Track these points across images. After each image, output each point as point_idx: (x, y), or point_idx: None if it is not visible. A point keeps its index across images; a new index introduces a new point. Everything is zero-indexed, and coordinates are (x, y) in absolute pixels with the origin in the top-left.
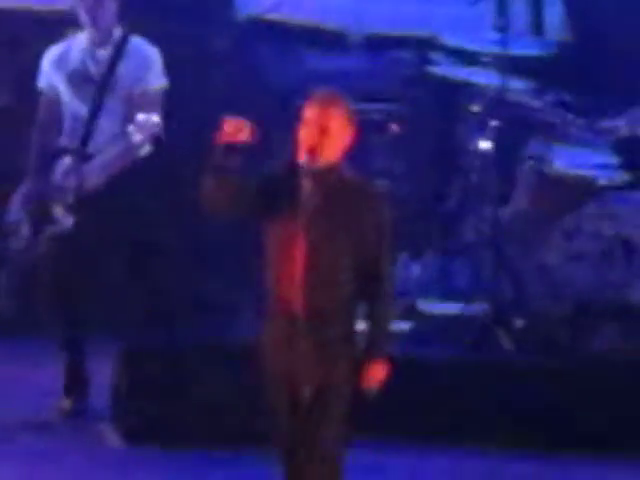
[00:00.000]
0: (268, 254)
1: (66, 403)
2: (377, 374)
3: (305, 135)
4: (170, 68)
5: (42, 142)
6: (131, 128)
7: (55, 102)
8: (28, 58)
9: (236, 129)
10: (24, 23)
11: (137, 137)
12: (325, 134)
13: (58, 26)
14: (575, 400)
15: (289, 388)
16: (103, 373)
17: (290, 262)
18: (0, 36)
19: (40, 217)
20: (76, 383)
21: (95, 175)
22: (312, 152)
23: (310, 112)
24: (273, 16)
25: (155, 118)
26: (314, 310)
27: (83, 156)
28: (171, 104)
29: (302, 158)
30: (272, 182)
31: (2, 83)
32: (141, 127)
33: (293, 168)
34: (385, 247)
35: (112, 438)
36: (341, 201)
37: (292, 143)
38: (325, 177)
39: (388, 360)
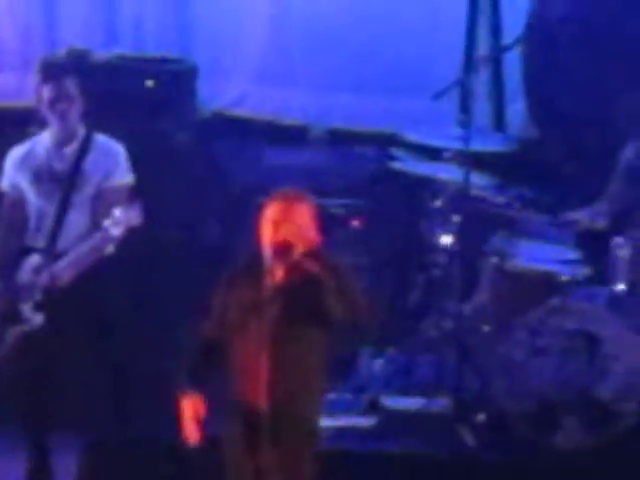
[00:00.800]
0: (234, 353)
1: None
2: None
3: (275, 234)
4: (132, 163)
5: (6, 242)
6: (108, 222)
7: (19, 202)
8: None
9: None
10: None
11: (115, 231)
12: (295, 230)
13: (21, 123)
14: None
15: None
16: (67, 469)
17: (255, 360)
18: None
19: (6, 316)
20: (40, 478)
21: (67, 271)
22: (283, 249)
23: (278, 210)
24: (235, 111)
25: (134, 211)
26: (279, 407)
27: (52, 254)
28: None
29: (269, 254)
30: (231, 288)
31: None
32: (119, 221)
33: (255, 266)
34: (349, 289)
35: None
36: (304, 291)
37: (252, 241)
38: (289, 273)
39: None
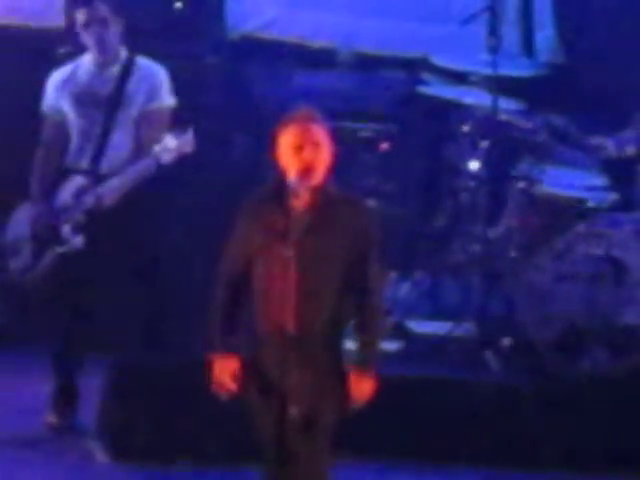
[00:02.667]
0: (258, 277)
1: (54, 418)
2: (365, 390)
3: (299, 157)
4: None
5: (48, 163)
6: (158, 148)
7: (61, 124)
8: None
9: (225, 383)
10: (17, 40)
11: (166, 157)
12: (317, 151)
13: (50, 44)
14: (562, 421)
15: (278, 407)
16: (92, 390)
17: (282, 282)
18: None
19: (46, 236)
20: (65, 399)
21: (113, 194)
22: (308, 171)
23: (297, 133)
24: (264, 34)
25: (186, 137)
26: (307, 329)
27: (96, 176)
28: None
29: (293, 178)
30: (256, 215)
31: None
32: (170, 147)
33: (278, 191)
34: (373, 261)
35: (99, 454)
36: (330, 218)
37: (274, 166)
38: (313, 195)
39: (376, 376)
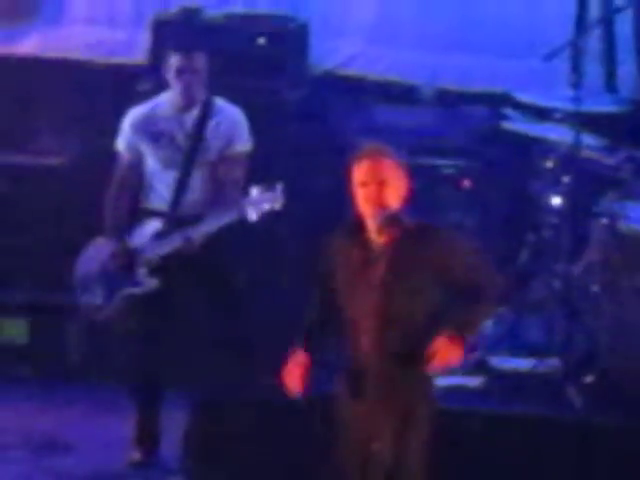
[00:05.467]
0: (344, 309)
1: (136, 454)
2: (449, 356)
3: (364, 192)
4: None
5: (120, 201)
6: (245, 202)
7: (136, 164)
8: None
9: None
10: (98, 75)
11: (252, 213)
12: (383, 186)
13: (131, 79)
14: None
15: (361, 445)
16: (175, 426)
17: (366, 315)
18: (72, 87)
19: (120, 276)
20: (148, 435)
21: (200, 238)
22: (374, 204)
23: (363, 170)
24: (347, 71)
25: (274, 194)
26: (391, 361)
27: (176, 220)
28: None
29: (366, 214)
30: (337, 250)
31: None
32: (256, 202)
33: (357, 225)
34: (473, 265)
35: None
36: (409, 249)
37: (352, 205)
38: (390, 229)
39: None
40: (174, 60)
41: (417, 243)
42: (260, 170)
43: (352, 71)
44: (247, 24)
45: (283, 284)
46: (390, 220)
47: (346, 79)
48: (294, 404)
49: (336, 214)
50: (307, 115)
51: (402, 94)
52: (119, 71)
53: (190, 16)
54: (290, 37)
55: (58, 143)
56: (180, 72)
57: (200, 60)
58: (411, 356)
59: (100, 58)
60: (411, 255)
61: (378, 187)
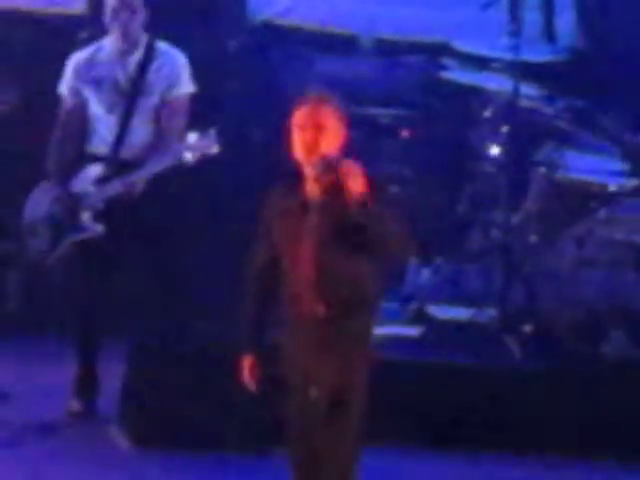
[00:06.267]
0: (283, 264)
1: (75, 404)
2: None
3: (301, 137)
4: None
5: (65, 145)
6: (182, 147)
7: (78, 108)
8: (39, 61)
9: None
10: (37, 26)
11: (189, 157)
12: (320, 132)
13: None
14: (583, 405)
15: (302, 390)
16: (112, 375)
17: (302, 264)
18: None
19: (65, 222)
20: (86, 384)
21: (141, 183)
22: (310, 149)
23: (302, 114)
24: (285, 20)
25: (209, 139)
26: (328, 309)
27: (117, 163)
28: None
29: (302, 160)
30: (275, 207)
31: (12, 85)
32: (193, 147)
33: (294, 178)
34: (388, 229)
35: (120, 440)
36: (343, 197)
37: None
38: (326, 176)
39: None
40: (109, 1)
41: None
42: (199, 117)
43: (290, 21)
44: None
45: (220, 233)
46: (326, 168)
47: (284, 29)
48: (231, 353)
49: (274, 164)
50: (247, 64)
51: (340, 44)
52: (59, 20)
53: None
54: None
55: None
56: (117, 12)
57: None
58: (348, 305)
59: (39, 8)
60: (342, 204)
61: (315, 132)
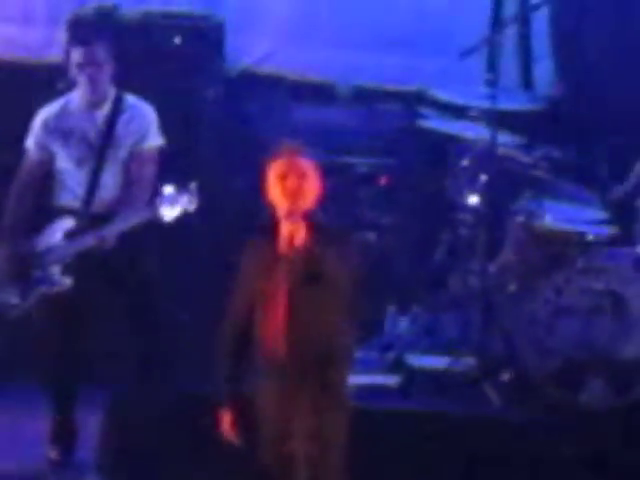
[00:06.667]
0: (258, 313)
1: (53, 453)
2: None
3: (283, 186)
4: (162, 120)
5: (25, 200)
6: (159, 202)
7: (46, 162)
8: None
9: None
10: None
11: (167, 213)
12: (304, 179)
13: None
14: (563, 453)
15: (282, 443)
16: (91, 424)
17: (274, 316)
18: None
19: (32, 275)
20: (64, 433)
21: (114, 236)
22: (294, 197)
23: (282, 164)
24: (263, 69)
25: (188, 194)
26: (301, 361)
27: (89, 217)
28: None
29: (282, 211)
30: (253, 257)
31: None
32: (170, 203)
33: (270, 230)
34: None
35: None
36: (319, 253)
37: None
38: (302, 230)
39: None
40: (75, 54)
41: (327, 249)
42: (177, 169)
43: (268, 69)
44: (164, 22)
45: (199, 285)
46: (303, 222)
47: (262, 77)
48: (210, 403)
49: (252, 213)
50: (224, 114)
51: (318, 92)
52: (35, 71)
53: (105, 14)
54: (206, 36)
55: None
56: (82, 66)
57: (101, 53)
58: (322, 357)
59: (18, 57)
60: (320, 262)
61: (298, 180)
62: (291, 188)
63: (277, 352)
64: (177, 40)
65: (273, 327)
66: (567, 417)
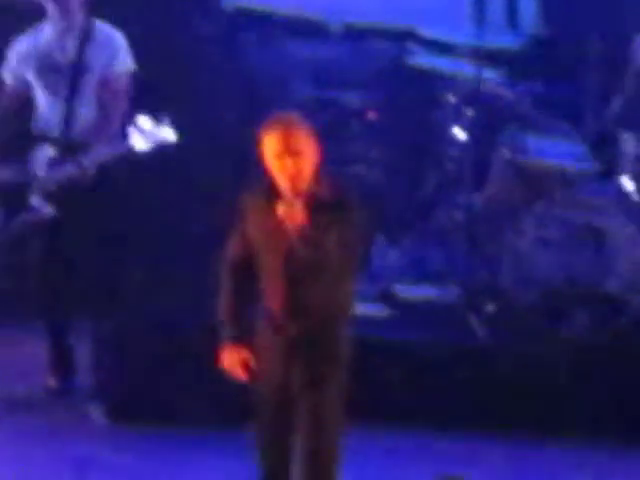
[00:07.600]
0: (261, 266)
1: (52, 381)
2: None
3: (281, 165)
4: (155, 54)
5: (10, 130)
6: (132, 131)
7: (23, 92)
8: None
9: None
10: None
11: (140, 144)
12: (299, 157)
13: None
14: (545, 384)
15: (278, 388)
16: (85, 354)
17: (277, 276)
18: None
19: (15, 204)
20: (61, 361)
21: (94, 166)
22: (294, 178)
23: (276, 142)
24: (257, 5)
25: (165, 131)
26: (302, 325)
27: (66, 145)
28: (157, 90)
29: (281, 183)
30: (251, 211)
31: None
32: (144, 134)
33: (270, 192)
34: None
35: (98, 415)
36: (320, 215)
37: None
38: (305, 198)
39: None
40: None
41: (328, 214)
42: (171, 103)
43: (263, 7)
44: None
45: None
46: (303, 190)
47: (256, 14)
48: (202, 334)
49: (243, 148)
50: (219, 49)
51: (311, 29)
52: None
53: None
54: None
55: None
56: None
57: None
58: (323, 321)
59: None
60: (321, 225)
61: (294, 159)
62: (288, 167)
63: (278, 317)
64: None
65: (274, 296)
66: (551, 348)
